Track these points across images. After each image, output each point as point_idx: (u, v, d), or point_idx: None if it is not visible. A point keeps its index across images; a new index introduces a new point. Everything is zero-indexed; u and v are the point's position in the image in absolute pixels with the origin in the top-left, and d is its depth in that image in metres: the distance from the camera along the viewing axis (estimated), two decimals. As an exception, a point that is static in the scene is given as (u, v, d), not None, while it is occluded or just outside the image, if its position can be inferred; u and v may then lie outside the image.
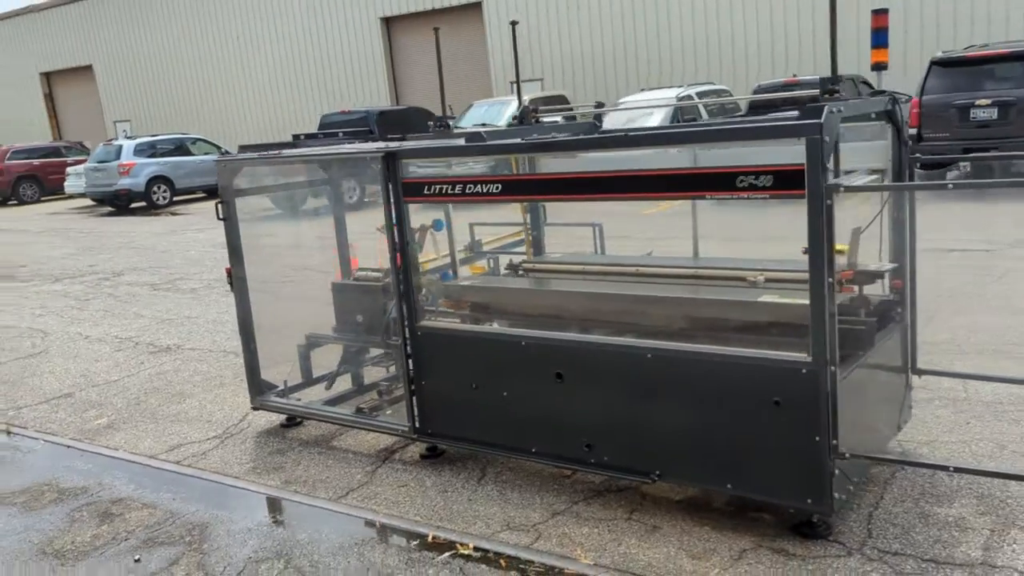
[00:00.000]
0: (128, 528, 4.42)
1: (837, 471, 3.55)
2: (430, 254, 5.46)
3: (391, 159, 4.49)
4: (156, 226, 18.93)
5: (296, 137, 13.85)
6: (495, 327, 4.71)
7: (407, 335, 4.67)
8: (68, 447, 5.67)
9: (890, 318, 4.25)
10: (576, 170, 4.00)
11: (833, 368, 3.43)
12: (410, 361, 4.71)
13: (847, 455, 3.50)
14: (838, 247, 4.06)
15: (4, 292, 11.84)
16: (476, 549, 3.89)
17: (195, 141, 24.29)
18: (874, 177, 4.04)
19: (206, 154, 23.22)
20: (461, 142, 4.43)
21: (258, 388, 5.58)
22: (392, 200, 4.55)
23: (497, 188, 4.19)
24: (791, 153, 3.35)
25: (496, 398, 4.41)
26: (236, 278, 5.45)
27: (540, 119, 5.04)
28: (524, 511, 4.20)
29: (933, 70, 12.29)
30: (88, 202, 24.89)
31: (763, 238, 5.54)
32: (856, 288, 4.06)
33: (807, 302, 3.47)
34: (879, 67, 3.65)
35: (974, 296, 7.22)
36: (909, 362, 4.39)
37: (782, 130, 3.40)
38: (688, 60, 21.60)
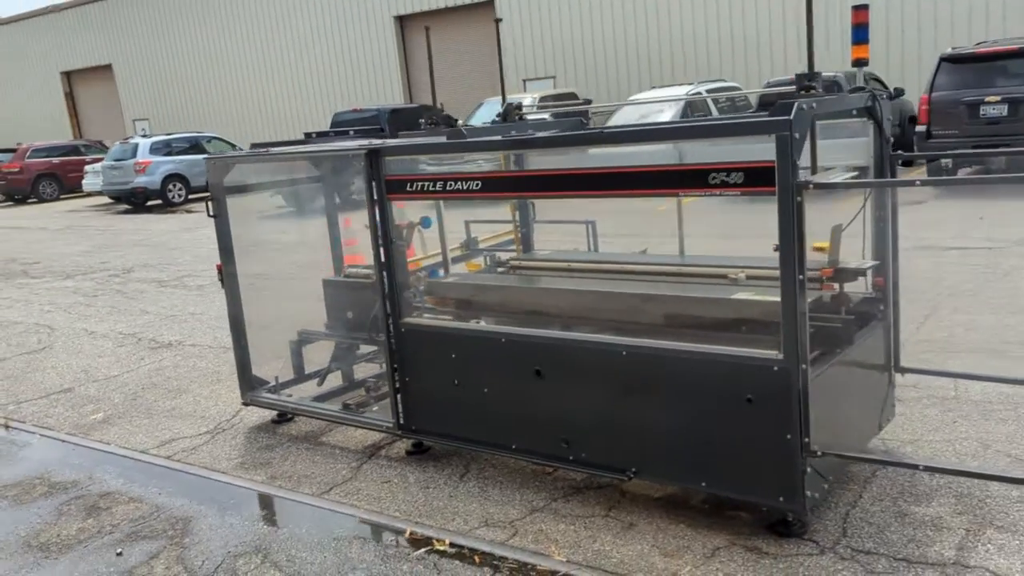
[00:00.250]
0: (113, 522, 4.47)
1: (809, 469, 3.53)
2: (424, 251, 5.50)
3: (374, 156, 4.51)
4: (171, 223, 19.09)
5: (308, 135, 13.94)
6: (476, 324, 4.72)
7: (391, 332, 4.69)
8: (63, 441, 5.74)
9: (872, 316, 4.23)
10: (553, 167, 4.00)
11: (804, 366, 3.41)
12: (394, 357, 4.73)
13: (819, 453, 3.48)
14: (818, 244, 4.06)
15: (16, 289, 11.99)
16: (452, 545, 3.90)
17: (210, 139, 24.48)
18: (853, 174, 4.01)
19: (221, 152, 23.36)
20: (443, 139, 4.44)
21: (249, 384, 5.63)
22: (376, 197, 4.57)
23: (477, 185, 4.21)
24: (763, 150, 3.34)
25: (477, 395, 4.43)
26: (227, 275, 5.50)
27: (523, 116, 5.05)
28: (503, 507, 4.21)
29: (943, 66, 12.16)
30: (106, 200, 25.13)
31: (761, 235, 5.52)
32: (836, 286, 4.04)
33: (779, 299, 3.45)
34: (859, 63, 3.60)
35: (975, 294, 7.15)
36: (892, 360, 4.36)
37: (753, 127, 3.39)
38: (701, 57, 21.50)
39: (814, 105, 3.40)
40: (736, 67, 20.71)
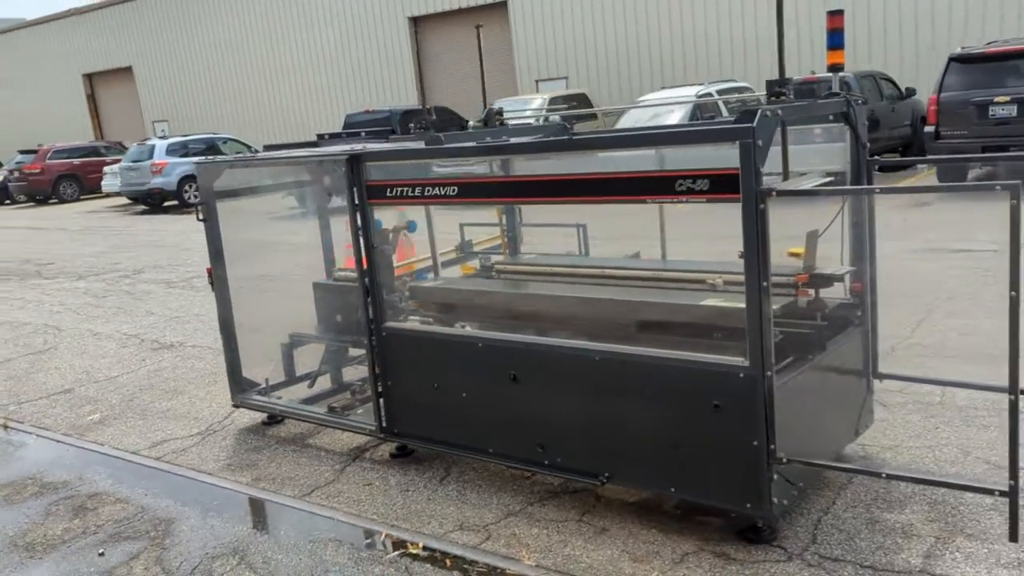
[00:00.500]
0: (99, 522, 4.54)
1: (776, 476, 3.53)
2: (417, 255, 5.54)
3: (355, 162, 4.55)
4: (186, 224, 19.26)
5: (320, 137, 14.05)
6: (454, 328, 4.75)
7: (373, 335, 4.73)
8: (58, 442, 5.83)
9: (849, 321, 4.22)
10: (527, 173, 4.02)
11: (770, 372, 3.41)
12: (376, 361, 4.77)
13: (784, 460, 3.48)
14: (794, 250, 4.06)
15: (30, 289, 12.16)
16: (425, 548, 3.94)
17: (226, 141, 24.69)
18: (828, 179, 4.00)
19: (237, 153, 23.56)
20: (421, 145, 4.48)
21: (239, 386, 5.69)
22: (357, 202, 4.61)
23: (453, 191, 4.24)
24: (727, 157, 3.35)
25: (456, 399, 4.46)
26: (216, 278, 5.57)
27: (504, 122, 5.07)
28: (479, 511, 4.24)
29: (951, 66, 12.04)
30: (124, 200, 25.41)
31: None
32: (812, 292, 4.03)
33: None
34: (835, 68, 3.60)
35: (974, 297, 7.08)
36: (870, 366, 4.34)
37: (716, 134, 3.40)
38: (712, 58, 21.41)
39: (779, 112, 3.40)
40: (748, 67, 20.61)
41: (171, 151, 23.13)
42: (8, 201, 30.35)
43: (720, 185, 3.37)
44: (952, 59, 12.16)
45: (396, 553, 3.92)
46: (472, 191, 4.23)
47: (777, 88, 3.67)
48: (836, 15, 3.66)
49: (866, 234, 4.17)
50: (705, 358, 3.61)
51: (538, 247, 5.80)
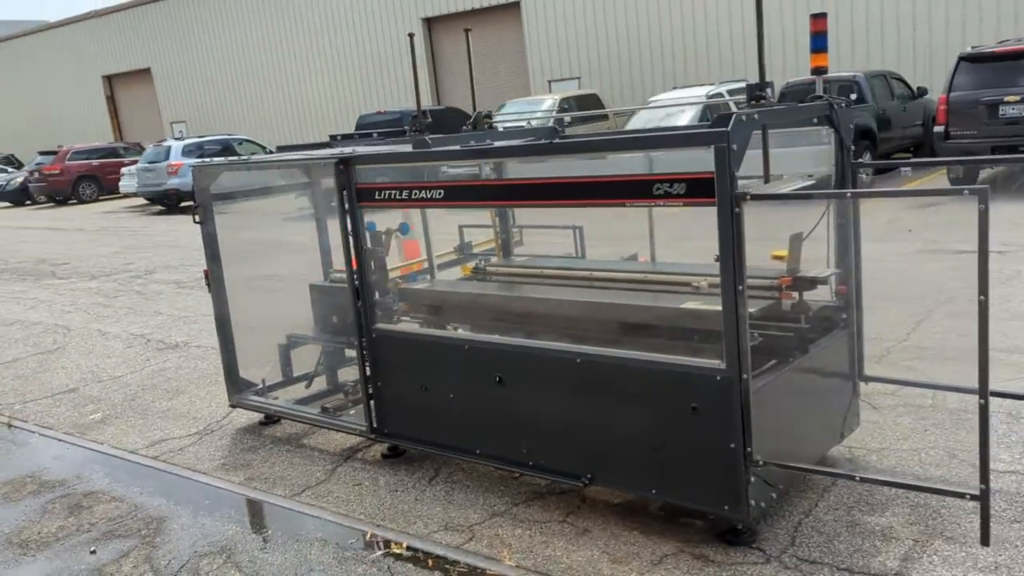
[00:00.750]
0: (92, 520, 4.61)
1: (754, 478, 3.54)
2: (421, 256, 5.58)
3: (345, 165, 4.60)
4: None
5: (333, 138, 14.16)
6: (443, 330, 4.79)
7: (363, 337, 4.78)
8: (60, 441, 5.92)
9: (834, 324, 4.22)
10: (510, 177, 4.05)
11: (746, 375, 3.43)
12: (367, 362, 4.82)
13: (761, 462, 3.49)
14: (777, 253, 4.07)
15: (43, 289, 12.32)
16: (408, 548, 3.97)
17: (241, 142, 24.86)
18: (811, 182, 4.00)
19: (252, 154, 23.73)
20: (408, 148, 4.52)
21: (236, 386, 5.76)
22: (347, 205, 4.66)
23: (440, 194, 4.28)
24: (703, 161, 3.36)
25: (444, 400, 4.50)
26: (213, 279, 5.64)
27: (492, 125, 5.10)
28: (465, 511, 4.28)
29: (961, 66, 11.95)
30: (142, 201, 25.66)
31: (754, 238, 5.51)
32: (795, 294, 4.04)
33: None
34: (818, 72, 3.59)
35: (974, 299, 7.01)
36: (856, 369, 4.34)
37: (691, 138, 3.41)
38: (725, 57, 21.33)
39: (756, 116, 3.41)
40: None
41: (187, 152, 23.30)
42: (28, 202, 30.72)
43: (696, 189, 3.39)
44: (962, 58, 12.07)
45: (379, 553, 3.96)
46: (458, 194, 4.27)
47: (757, 92, 3.68)
48: (819, 18, 3.67)
49: (851, 236, 4.17)
50: (683, 361, 3.63)
51: (537, 249, 5.82)
